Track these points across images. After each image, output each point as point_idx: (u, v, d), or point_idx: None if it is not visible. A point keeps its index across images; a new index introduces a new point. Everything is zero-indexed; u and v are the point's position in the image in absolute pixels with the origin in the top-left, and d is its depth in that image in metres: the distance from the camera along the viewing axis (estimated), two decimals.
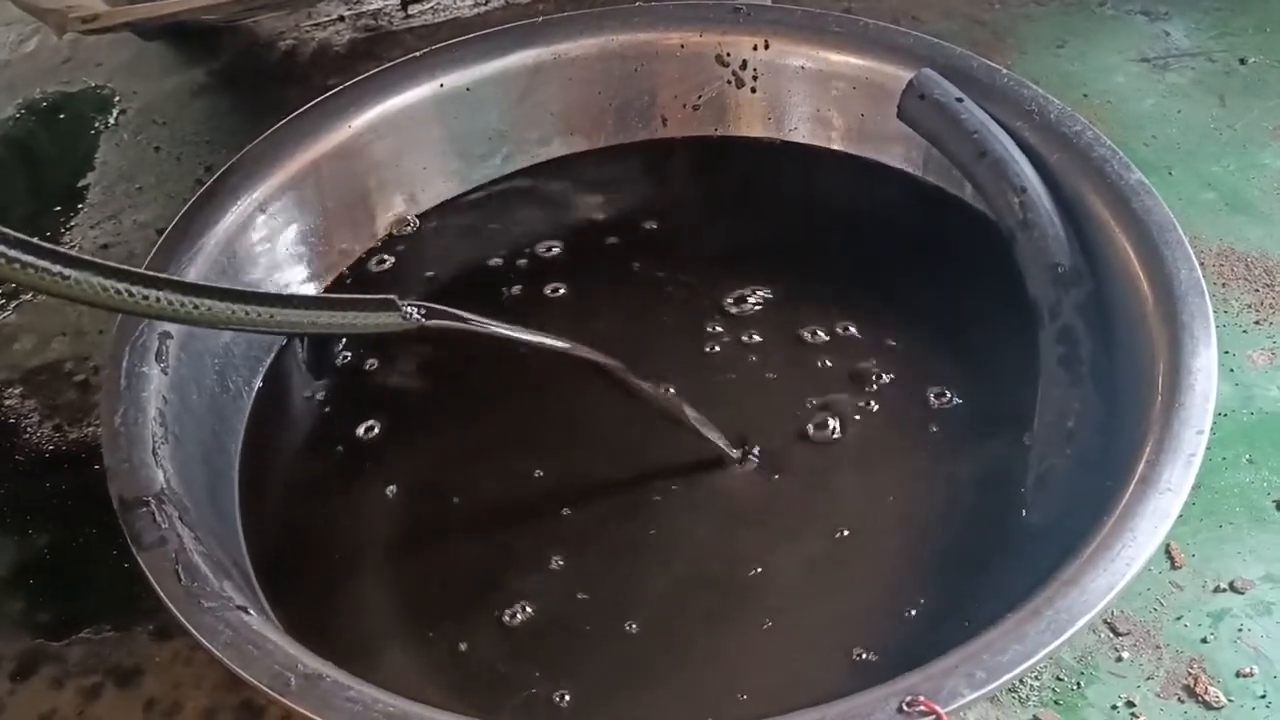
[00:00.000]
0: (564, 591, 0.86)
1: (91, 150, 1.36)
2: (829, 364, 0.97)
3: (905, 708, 0.66)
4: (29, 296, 1.21)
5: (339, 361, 1.01)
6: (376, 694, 0.69)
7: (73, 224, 1.28)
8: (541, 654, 0.83)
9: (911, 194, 1.07)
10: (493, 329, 0.81)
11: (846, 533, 0.87)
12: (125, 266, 0.69)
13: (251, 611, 0.74)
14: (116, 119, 1.39)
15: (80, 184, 1.32)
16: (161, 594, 0.74)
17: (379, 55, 1.41)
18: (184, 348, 0.89)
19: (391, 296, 0.77)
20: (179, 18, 1.28)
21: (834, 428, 0.93)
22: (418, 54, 1.08)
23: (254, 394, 0.97)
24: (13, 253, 0.64)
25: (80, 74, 1.46)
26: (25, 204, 1.33)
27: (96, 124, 1.39)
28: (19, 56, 1.49)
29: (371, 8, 1.48)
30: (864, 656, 0.80)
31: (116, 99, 1.42)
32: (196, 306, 0.70)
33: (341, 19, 1.47)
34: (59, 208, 1.30)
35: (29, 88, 1.44)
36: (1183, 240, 0.89)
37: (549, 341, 0.84)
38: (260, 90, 1.40)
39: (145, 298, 0.69)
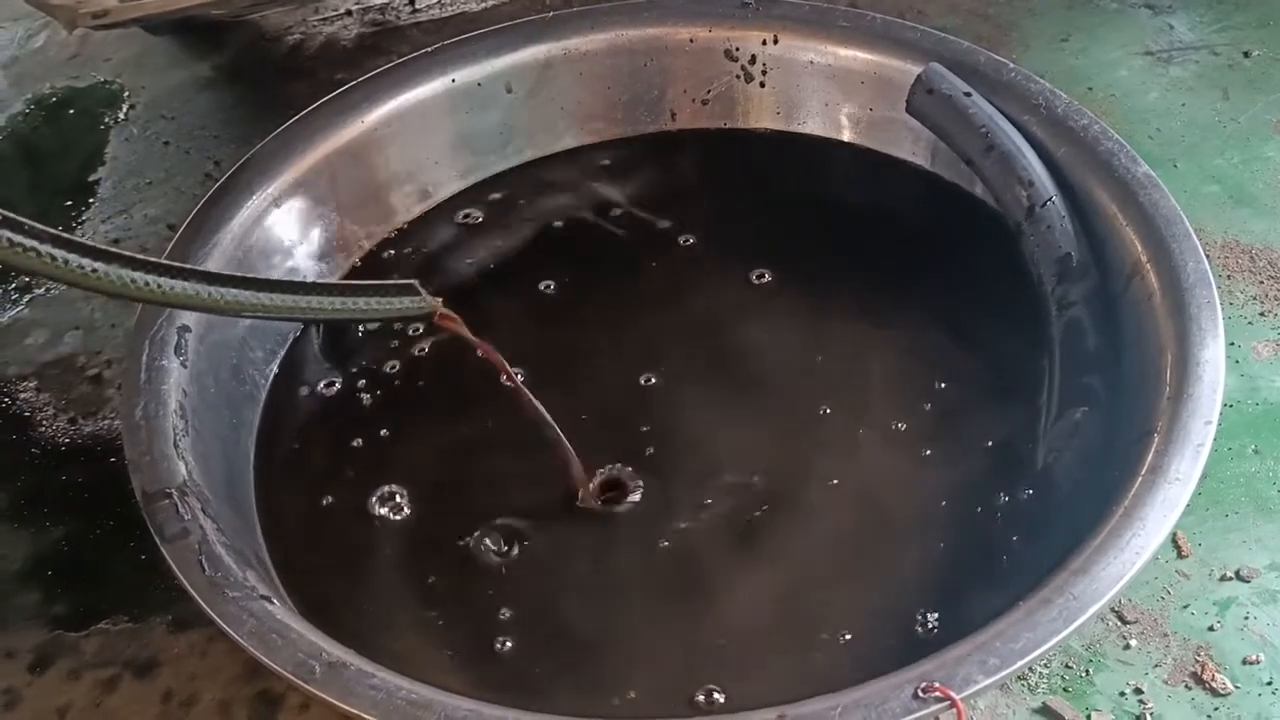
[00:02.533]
0: (577, 587, 0.87)
1: (101, 145, 1.37)
2: (835, 352, 0.99)
3: (920, 694, 0.68)
4: (41, 290, 1.22)
5: (352, 355, 1.01)
6: (399, 681, 0.70)
7: (84, 219, 1.29)
8: (551, 636, 0.84)
9: (919, 186, 1.08)
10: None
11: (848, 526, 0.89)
12: (151, 258, 0.69)
13: (275, 601, 0.75)
14: (125, 114, 1.40)
15: (91, 179, 1.33)
16: (186, 584, 0.75)
17: (386, 49, 1.41)
18: (202, 341, 0.90)
19: (412, 281, 0.78)
20: (188, 12, 1.28)
21: (836, 419, 0.94)
22: (429, 49, 1.09)
23: (268, 387, 0.98)
24: (44, 247, 0.65)
25: (88, 69, 1.46)
26: (36, 198, 1.33)
27: (106, 119, 1.40)
28: (27, 52, 1.49)
29: (378, 2, 1.48)
30: None
31: (125, 94, 1.42)
32: (222, 296, 0.71)
33: (348, 13, 1.48)
34: (70, 202, 1.31)
35: (38, 83, 1.45)
36: (1190, 233, 0.90)
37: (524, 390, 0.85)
38: (267, 85, 1.41)
39: (172, 289, 0.70)
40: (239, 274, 0.79)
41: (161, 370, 0.87)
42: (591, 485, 0.90)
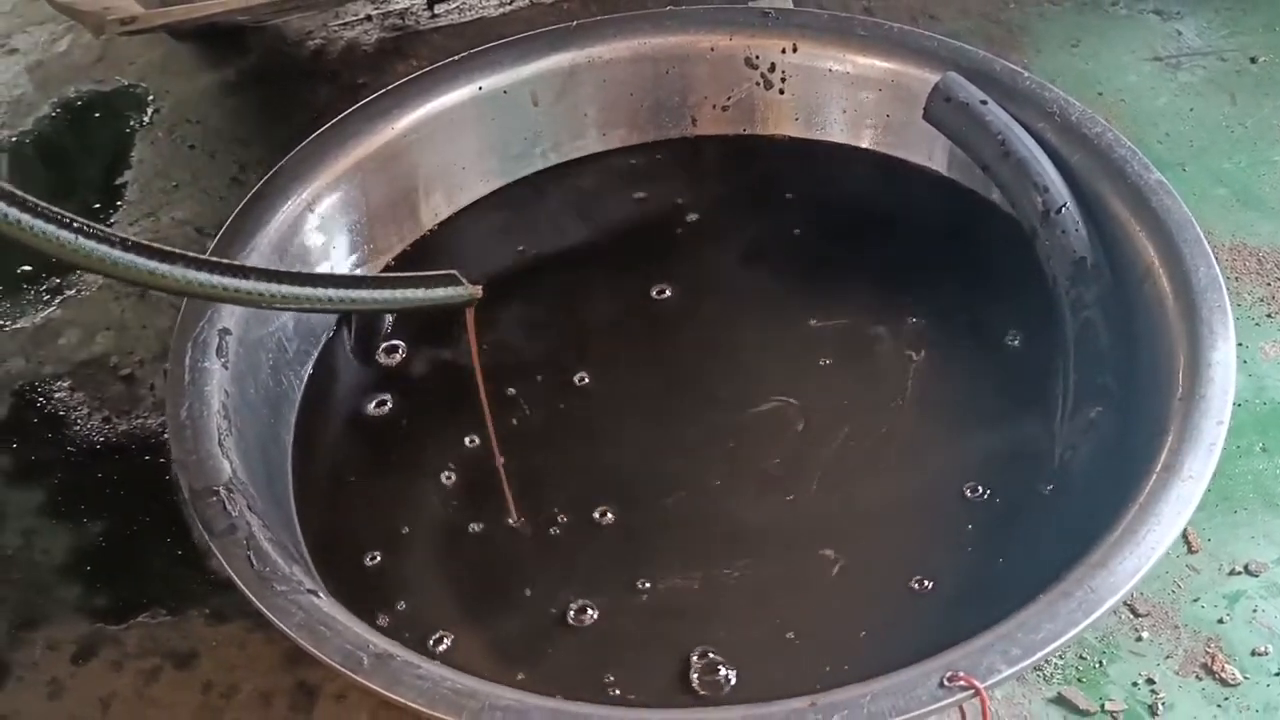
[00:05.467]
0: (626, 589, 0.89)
1: (127, 148, 1.38)
2: (852, 350, 1.02)
3: (946, 682, 0.70)
4: (72, 291, 1.24)
5: (382, 354, 1.04)
6: (444, 672, 0.73)
7: (112, 221, 1.31)
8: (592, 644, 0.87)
9: (936, 191, 1.10)
10: None
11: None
12: (209, 258, 0.73)
13: (321, 594, 0.77)
14: (151, 117, 1.42)
15: (117, 182, 1.35)
16: (236, 579, 0.78)
17: (406, 54, 1.43)
18: (241, 342, 0.93)
19: (452, 271, 0.81)
20: (213, 19, 1.31)
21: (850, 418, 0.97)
22: (457, 58, 1.11)
23: (304, 386, 1.01)
24: (115, 252, 0.68)
25: (113, 73, 1.48)
26: (65, 201, 1.34)
27: (131, 122, 1.41)
28: (52, 55, 1.51)
29: (398, 7, 1.50)
30: None
31: (150, 97, 1.44)
32: (277, 291, 0.75)
33: (369, 18, 1.50)
34: (98, 205, 1.33)
35: (63, 86, 1.46)
36: (1201, 238, 0.92)
37: None
38: (290, 88, 1.43)
39: (228, 286, 0.73)
40: (291, 270, 0.82)
41: (204, 371, 0.89)
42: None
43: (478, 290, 0.83)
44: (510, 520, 0.91)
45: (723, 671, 0.82)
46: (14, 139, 1.40)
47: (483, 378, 0.88)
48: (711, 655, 0.83)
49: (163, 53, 1.49)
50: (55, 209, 0.69)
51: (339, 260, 1.06)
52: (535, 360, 1.03)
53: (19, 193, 0.70)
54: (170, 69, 1.47)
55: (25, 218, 0.69)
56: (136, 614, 0.98)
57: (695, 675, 0.83)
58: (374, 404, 1.01)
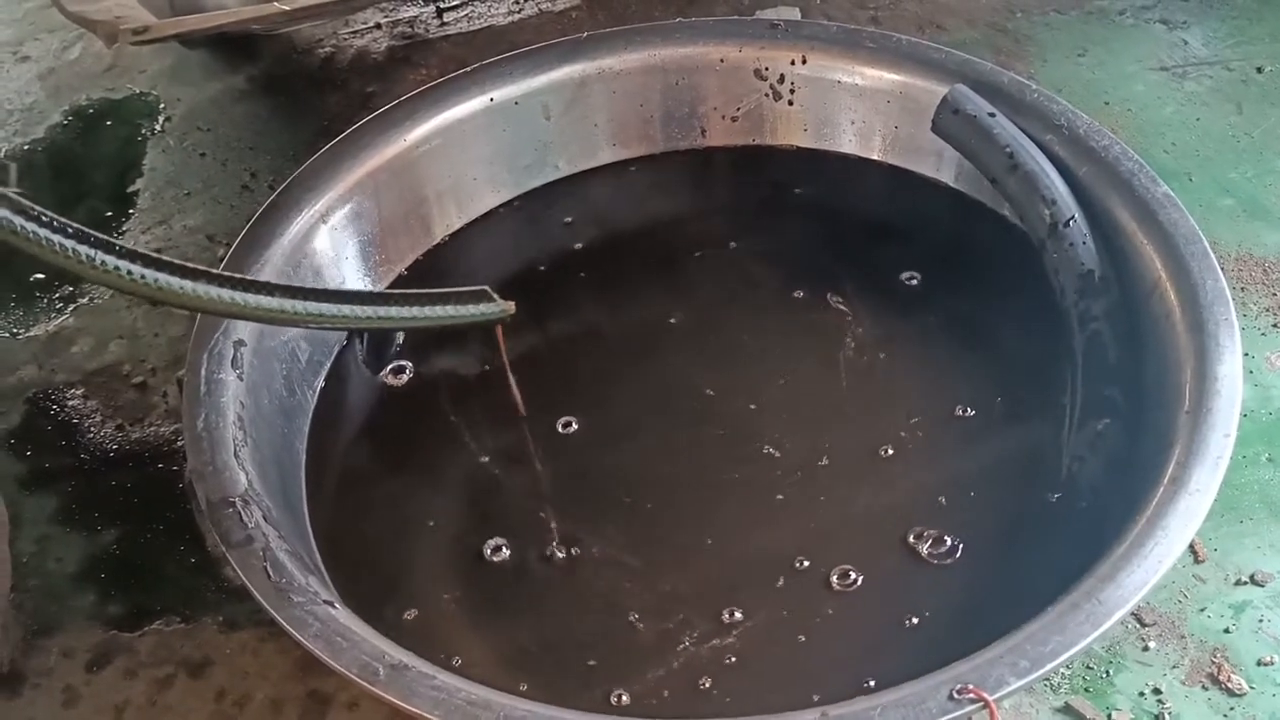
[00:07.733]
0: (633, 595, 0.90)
1: (139, 156, 1.39)
2: (861, 363, 1.02)
3: (956, 695, 0.71)
4: (85, 300, 1.25)
5: (392, 364, 1.05)
6: (458, 683, 0.74)
7: (125, 229, 1.31)
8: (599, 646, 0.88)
9: (944, 203, 1.11)
10: None
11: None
12: (239, 275, 0.74)
13: (337, 605, 0.78)
14: (162, 125, 1.43)
15: (129, 190, 1.36)
16: (253, 590, 0.79)
17: (415, 62, 1.44)
18: (256, 353, 0.94)
19: (484, 287, 0.81)
20: (225, 29, 1.31)
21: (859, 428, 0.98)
22: (468, 69, 1.12)
23: (316, 396, 1.01)
24: (137, 268, 0.69)
25: (124, 81, 1.49)
26: (77, 209, 1.36)
27: (143, 130, 1.42)
28: (63, 63, 1.52)
29: (407, 15, 1.51)
30: None
31: (161, 105, 1.45)
32: (306, 309, 0.76)
33: (378, 26, 1.51)
34: (110, 213, 1.33)
35: (75, 94, 1.47)
36: (1208, 252, 0.93)
37: None
38: (300, 96, 1.44)
39: (258, 303, 0.75)
40: (317, 287, 0.83)
41: (220, 383, 0.90)
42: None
43: (510, 306, 0.83)
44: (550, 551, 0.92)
45: (948, 541, 0.88)
46: (26, 146, 1.41)
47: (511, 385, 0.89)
48: (928, 532, 0.88)
49: (173, 60, 1.50)
50: (75, 224, 0.70)
51: (352, 270, 1.07)
52: (547, 364, 1.04)
53: (36, 207, 0.70)
54: (181, 77, 1.48)
55: (43, 232, 0.69)
56: (150, 621, 0.99)
57: (925, 548, 0.88)
58: (387, 414, 1.02)
